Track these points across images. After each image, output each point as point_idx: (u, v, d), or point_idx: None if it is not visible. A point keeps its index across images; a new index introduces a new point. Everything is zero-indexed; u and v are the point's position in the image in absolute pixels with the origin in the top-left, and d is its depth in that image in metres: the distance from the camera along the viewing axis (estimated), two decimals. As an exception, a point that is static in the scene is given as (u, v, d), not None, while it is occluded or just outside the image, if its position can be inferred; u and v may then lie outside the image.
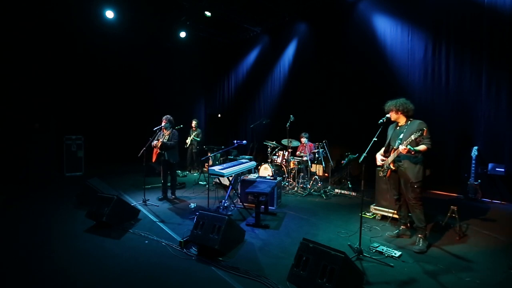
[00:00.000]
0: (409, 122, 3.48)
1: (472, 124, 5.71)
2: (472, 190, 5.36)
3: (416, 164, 3.37)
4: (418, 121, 3.42)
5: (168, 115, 5.56)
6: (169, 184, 5.72)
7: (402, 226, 3.83)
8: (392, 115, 3.53)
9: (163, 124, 5.45)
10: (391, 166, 3.53)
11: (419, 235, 3.45)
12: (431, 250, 3.38)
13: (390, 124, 3.71)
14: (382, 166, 3.67)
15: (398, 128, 3.58)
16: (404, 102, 3.48)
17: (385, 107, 3.60)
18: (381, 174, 3.79)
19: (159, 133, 5.53)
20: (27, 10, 7.70)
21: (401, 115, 3.50)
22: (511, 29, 5.18)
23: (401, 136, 3.43)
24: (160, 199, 5.56)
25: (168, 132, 5.45)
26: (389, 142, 3.64)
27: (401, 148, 3.23)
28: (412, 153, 3.23)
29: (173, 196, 5.72)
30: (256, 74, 10.50)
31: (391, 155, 3.48)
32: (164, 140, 5.30)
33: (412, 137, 3.13)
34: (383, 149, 3.72)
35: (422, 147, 3.24)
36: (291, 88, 9.20)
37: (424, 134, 3.12)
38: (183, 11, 8.58)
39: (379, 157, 3.69)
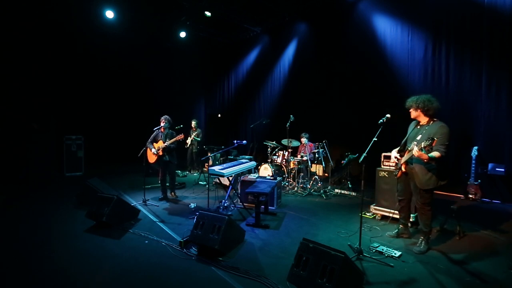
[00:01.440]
0: (431, 123, 3.27)
1: (472, 124, 5.71)
2: (472, 190, 5.36)
3: (428, 171, 3.19)
4: (439, 124, 3.20)
5: (166, 115, 5.56)
6: (167, 184, 5.74)
7: (401, 226, 3.82)
8: (412, 113, 3.35)
9: (162, 124, 5.45)
10: (403, 167, 3.44)
11: (422, 237, 3.42)
12: (431, 250, 3.38)
13: (412, 121, 3.55)
14: (395, 164, 3.60)
15: (418, 127, 3.39)
16: (427, 99, 3.23)
17: (406, 103, 3.42)
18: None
19: (157, 133, 5.54)
20: (27, 10, 7.70)
21: (420, 113, 3.29)
22: (511, 29, 5.18)
23: (418, 138, 3.28)
24: (160, 199, 5.56)
25: (169, 134, 5.44)
26: (405, 141, 3.51)
27: (415, 151, 3.06)
28: (426, 159, 3.06)
29: (172, 194, 5.76)
30: (256, 74, 10.50)
31: (405, 155, 3.37)
32: (167, 144, 5.31)
33: (423, 144, 2.93)
34: (399, 147, 3.59)
35: (435, 154, 3.05)
36: (291, 88, 9.20)
37: (433, 144, 2.90)
38: (183, 11, 8.58)
39: (393, 154, 3.60)
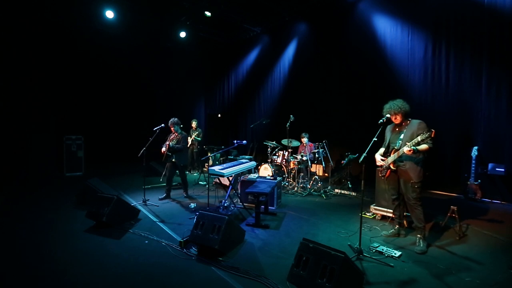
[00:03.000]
0: (408, 122, 3.47)
1: (472, 124, 5.71)
2: (472, 190, 5.36)
3: (417, 164, 3.36)
4: (417, 121, 3.40)
5: (173, 119, 5.66)
6: (174, 183, 5.84)
7: (397, 226, 3.84)
8: (398, 118, 3.46)
9: (172, 129, 5.61)
10: (391, 166, 3.51)
11: (419, 235, 3.45)
12: (431, 250, 3.38)
13: (388, 125, 3.70)
14: (381, 166, 3.66)
15: (397, 128, 3.56)
16: (402, 103, 3.43)
17: (383, 111, 3.55)
18: (380, 174, 3.79)
19: (169, 135, 5.68)
20: (27, 10, 7.70)
21: (401, 116, 3.46)
22: (511, 29, 5.18)
23: (401, 137, 3.41)
24: (160, 199, 5.58)
25: (177, 136, 5.58)
26: (388, 143, 3.63)
27: (406, 149, 3.18)
28: (414, 153, 3.19)
29: (185, 195, 5.84)
30: (256, 74, 10.51)
31: (392, 155, 3.46)
32: (171, 144, 5.39)
33: (419, 138, 3.04)
34: (382, 149, 3.72)
35: (424, 147, 3.20)
36: (291, 88, 9.20)
37: (432, 135, 3.00)
38: (183, 11, 8.59)
39: (378, 157, 3.68)
